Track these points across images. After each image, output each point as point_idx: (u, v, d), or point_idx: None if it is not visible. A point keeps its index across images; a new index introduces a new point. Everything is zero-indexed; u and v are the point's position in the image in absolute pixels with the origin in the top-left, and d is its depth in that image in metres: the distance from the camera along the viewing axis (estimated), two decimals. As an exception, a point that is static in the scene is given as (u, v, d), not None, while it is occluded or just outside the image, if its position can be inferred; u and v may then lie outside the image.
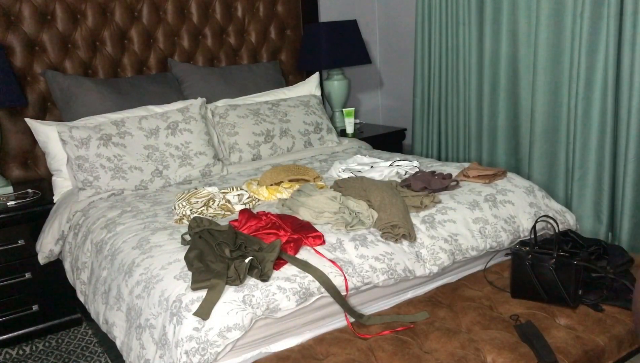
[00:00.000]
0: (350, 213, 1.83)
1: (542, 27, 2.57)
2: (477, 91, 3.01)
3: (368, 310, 1.72)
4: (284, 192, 2.19)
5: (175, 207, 2.07)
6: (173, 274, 1.59)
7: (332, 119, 3.48)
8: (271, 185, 2.24)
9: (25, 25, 2.62)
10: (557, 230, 1.82)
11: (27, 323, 2.45)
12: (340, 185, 2.09)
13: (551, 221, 1.89)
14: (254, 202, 2.14)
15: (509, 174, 2.28)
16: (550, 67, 2.59)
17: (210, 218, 1.96)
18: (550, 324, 1.59)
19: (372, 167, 2.39)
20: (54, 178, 2.53)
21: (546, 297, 1.69)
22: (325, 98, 3.50)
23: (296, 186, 2.20)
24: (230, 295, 1.47)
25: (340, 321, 1.64)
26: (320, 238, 1.71)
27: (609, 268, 1.75)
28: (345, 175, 2.35)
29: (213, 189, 2.17)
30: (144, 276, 1.66)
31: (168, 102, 2.73)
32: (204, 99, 2.80)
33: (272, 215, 1.83)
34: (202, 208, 2.03)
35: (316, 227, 1.80)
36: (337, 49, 3.24)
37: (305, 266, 1.59)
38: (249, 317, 1.46)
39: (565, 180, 2.64)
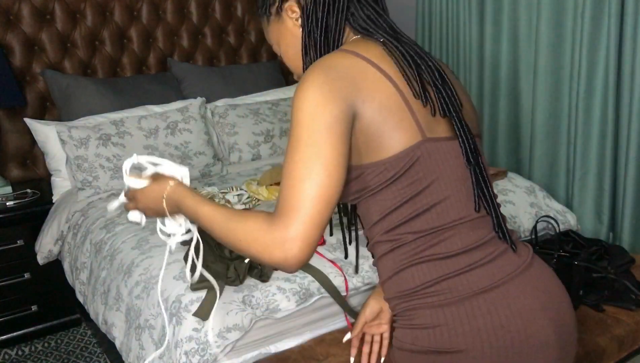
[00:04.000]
0: (350, 214, 1.83)
1: (543, 27, 2.56)
2: (478, 91, 3.00)
3: (368, 310, 1.72)
4: (284, 192, 2.18)
5: (174, 207, 2.06)
6: (172, 274, 1.58)
7: (332, 118, 3.47)
8: (271, 185, 2.23)
9: (24, 24, 2.61)
10: (558, 230, 1.82)
11: (26, 323, 2.44)
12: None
13: (552, 221, 1.88)
14: (253, 202, 2.14)
15: (510, 174, 2.28)
16: (551, 66, 2.59)
17: (209, 218, 1.95)
18: (551, 325, 1.58)
19: (372, 167, 2.38)
20: (53, 178, 2.52)
21: (547, 298, 1.69)
22: (325, 98, 3.49)
23: (296, 186, 2.20)
24: (230, 295, 1.47)
25: (340, 321, 1.63)
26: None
27: (610, 269, 1.74)
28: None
29: (213, 189, 2.17)
30: (143, 276, 1.65)
31: (167, 102, 2.72)
32: (204, 99, 2.79)
33: (272, 215, 1.82)
34: (202, 208, 2.02)
35: (316, 227, 1.79)
36: (337, 48, 3.24)
37: (305, 266, 1.58)
38: (248, 318, 1.45)
39: (566, 180, 2.64)
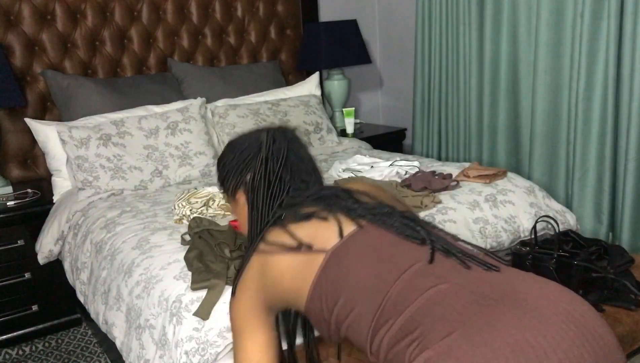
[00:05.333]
0: (350, 214, 1.83)
1: (543, 27, 2.56)
2: (478, 91, 3.00)
3: (368, 310, 1.72)
4: (284, 192, 2.18)
5: (174, 207, 2.07)
6: (173, 274, 1.58)
7: (332, 118, 3.47)
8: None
9: (24, 25, 2.62)
10: (557, 230, 1.81)
11: (26, 323, 2.44)
12: (340, 185, 2.08)
13: (551, 221, 1.88)
14: (253, 202, 2.13)
15: (510, 174, 2.28)
16: (550, 67, 2.59)
17: (210, 218, 1.95)
18: (550, 324, 1.58)
19: (372, 167, 2.38)
20: (53, 178, 2.52)
21: (547, 297, 1.69)
22: (325, 98, 3.49)
23: (296, 186, 2.20)
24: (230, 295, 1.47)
25: (340, 321, 1.63)
26: (320, 239, 1.71)
27: (610, 269, 1.74)
28: (345, 175, 2.35)
29: (213, 189, 2.17)
30: (143, 276, 1.66)
31: (168, 102, 2.72)
32: (204, 99, 2.80)
33: (272, 215, 1.82)
34: (202, 208, 2.03)
35: (316, 227, 1.79)
36: (337, 48, 3.24)
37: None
38: (248, 318, 1.45)
39: (565, 180, 2.64)
